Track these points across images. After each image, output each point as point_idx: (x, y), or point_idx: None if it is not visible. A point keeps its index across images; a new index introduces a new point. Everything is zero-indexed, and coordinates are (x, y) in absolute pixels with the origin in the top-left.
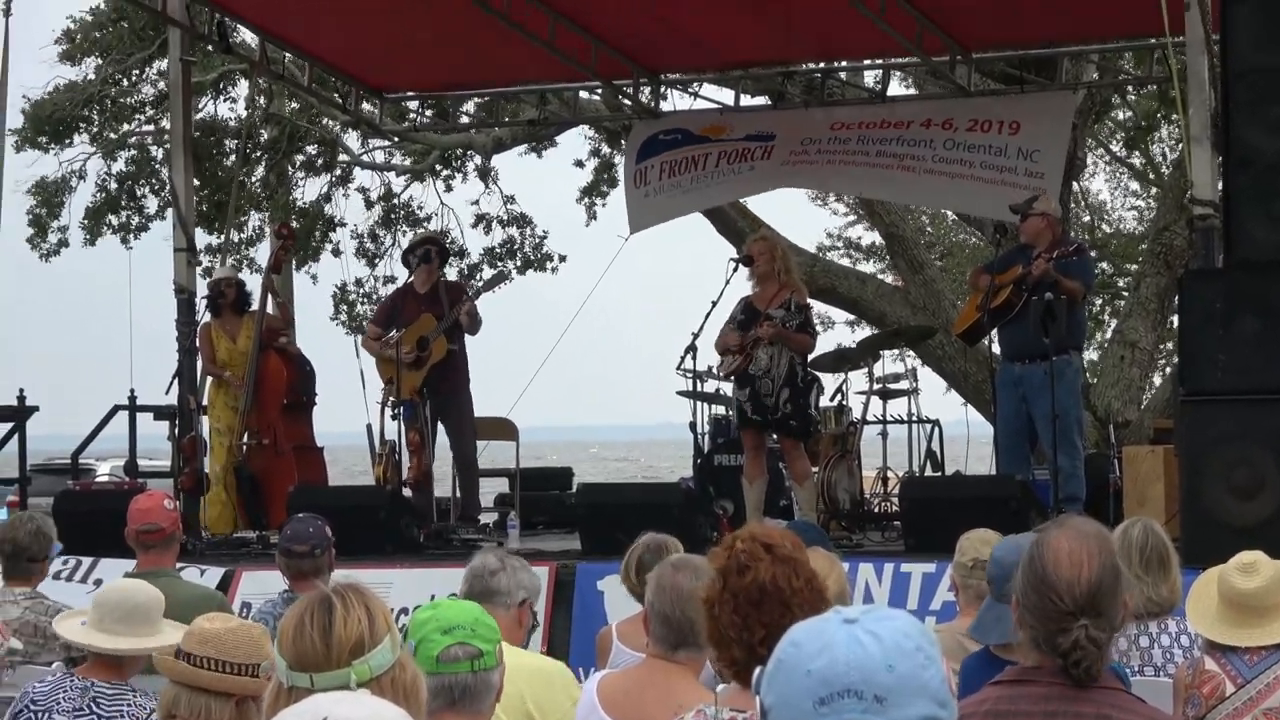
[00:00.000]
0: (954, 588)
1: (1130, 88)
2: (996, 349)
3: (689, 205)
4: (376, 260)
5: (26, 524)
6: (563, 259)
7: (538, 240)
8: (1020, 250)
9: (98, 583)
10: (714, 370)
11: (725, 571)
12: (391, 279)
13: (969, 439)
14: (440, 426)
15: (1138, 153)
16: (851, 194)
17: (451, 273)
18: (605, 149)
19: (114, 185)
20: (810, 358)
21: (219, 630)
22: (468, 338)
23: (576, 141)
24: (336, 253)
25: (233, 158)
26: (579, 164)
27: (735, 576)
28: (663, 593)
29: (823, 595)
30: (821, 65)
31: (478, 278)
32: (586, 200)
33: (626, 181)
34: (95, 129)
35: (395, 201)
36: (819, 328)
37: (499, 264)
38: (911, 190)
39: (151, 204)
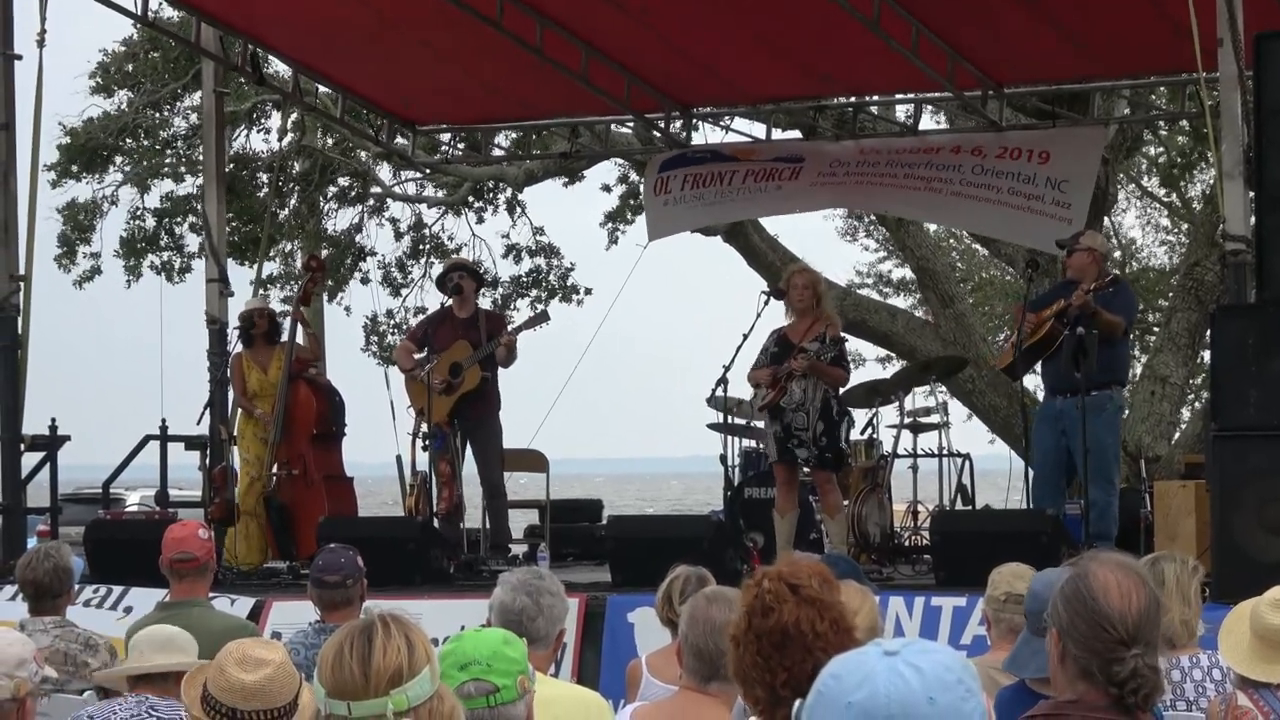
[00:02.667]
0: (985, 622)
1: (1162, 124)
2: (1031, 383)
3: (710, 217)
4: (402, 290)
5: (44, 562)
6: (588, 292)
7: (565, 271)
8: (1064, 286)
9: (128, 609)
10: (745, 403)
11: (750, 612)
12: (422, 309)
13: (1010, 473)
14: (469, 455)
15: (1170, 189)
16: (878, 212)
17: (485, 301)
18: (633, 176)
19: (151, 222)
20: (842, 391)
21: (259, 683)
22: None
23: (606, 171)
24: (365, 281)
25: (265, 189)
26: (606, 188)
27: (759, 618)
28: (695, 625)
29: (850, 636)
30: (853, 100)
31: (511, 308)
32: (610, 225)
33: (646, 189)
34: (129, 162)
35: (425, 232)
36: (850, 363)
37: (526, 293)
38: (938, 211)
39: (191, 242)
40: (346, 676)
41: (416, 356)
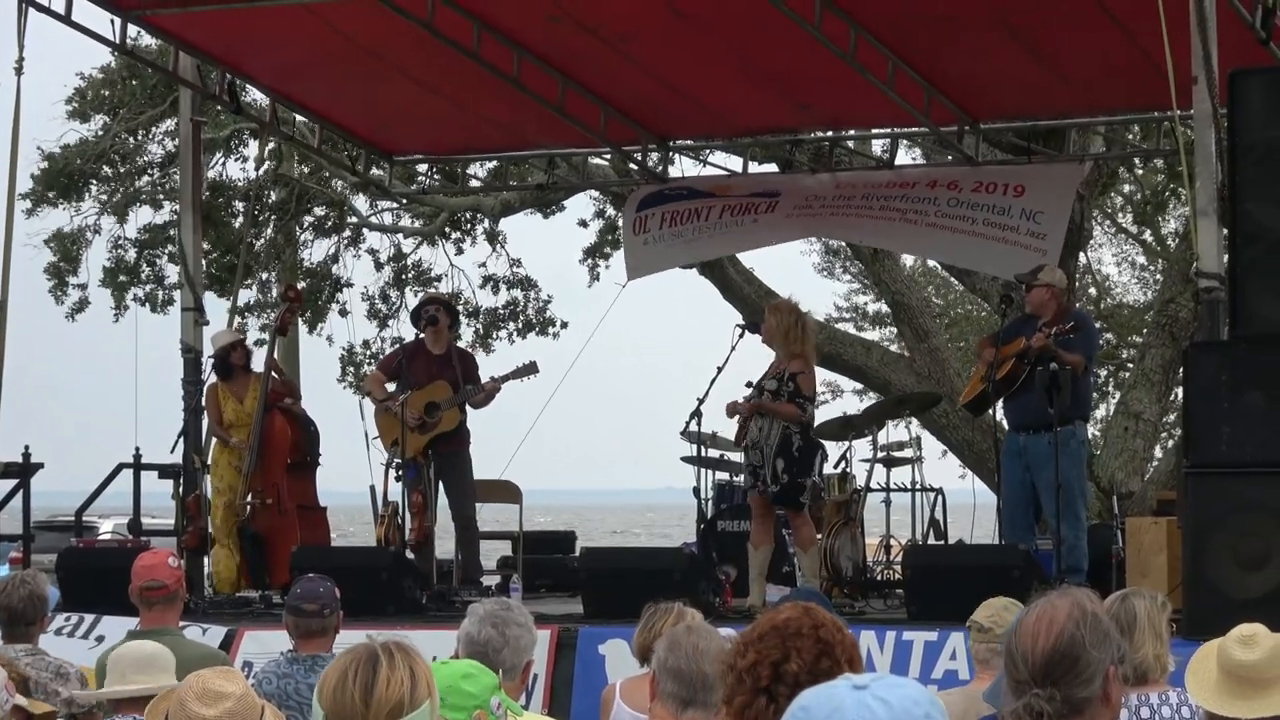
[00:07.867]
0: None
1: (1137, 160)
2: (999, 418)
3: (689, 255)
4: (388, 321)
5: (19, 588)
6: (564, 325)
7: (541, 304)
8: (1025, 321)
9: (99, 639)
10: (719, 435)
11: (761, 619)
12: (400, 339)
13: (975, 507)
14: (440, 487)
15: (1145, 226)
16: (853, 242)
17: (465, 333)
18: (610, 210)
19: (132, 253)
20: (816, 424)
21: (219, 718)
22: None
23: (583, 203)
24: (343, 313)
25: (241, 218)
26: (583, 224)
27: (771, 613)
28: (678, 648)
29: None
30: (830, 134)
31: (491, 337)
32: (590, 261)
33: (625, 229)
34: (105, 190)
35: (406, 262)
36: (825, 395)
37: (502, 325)
38: (912, 241)
39: (172, 274)
40: (347, 703)
41: (389, 388)
